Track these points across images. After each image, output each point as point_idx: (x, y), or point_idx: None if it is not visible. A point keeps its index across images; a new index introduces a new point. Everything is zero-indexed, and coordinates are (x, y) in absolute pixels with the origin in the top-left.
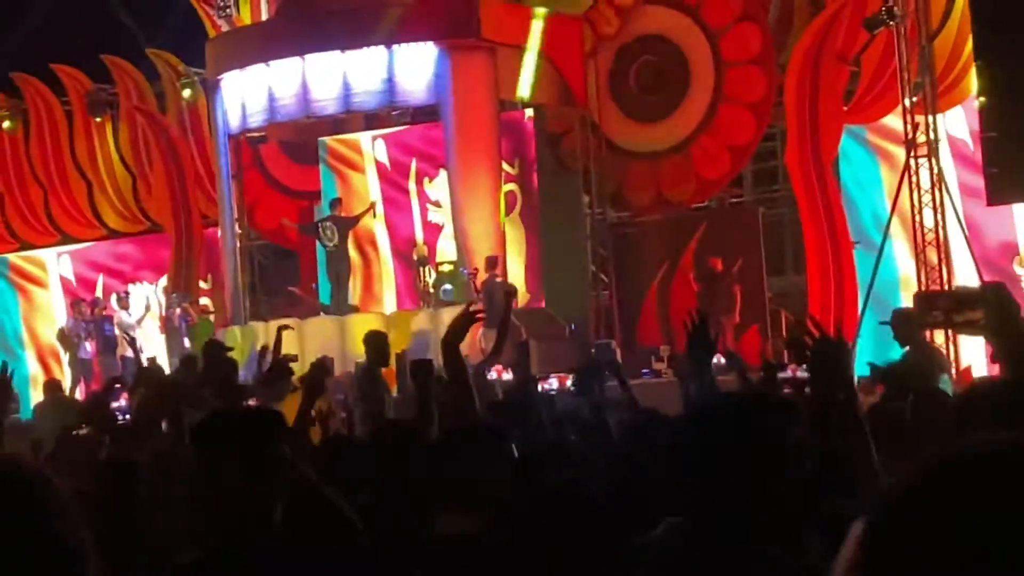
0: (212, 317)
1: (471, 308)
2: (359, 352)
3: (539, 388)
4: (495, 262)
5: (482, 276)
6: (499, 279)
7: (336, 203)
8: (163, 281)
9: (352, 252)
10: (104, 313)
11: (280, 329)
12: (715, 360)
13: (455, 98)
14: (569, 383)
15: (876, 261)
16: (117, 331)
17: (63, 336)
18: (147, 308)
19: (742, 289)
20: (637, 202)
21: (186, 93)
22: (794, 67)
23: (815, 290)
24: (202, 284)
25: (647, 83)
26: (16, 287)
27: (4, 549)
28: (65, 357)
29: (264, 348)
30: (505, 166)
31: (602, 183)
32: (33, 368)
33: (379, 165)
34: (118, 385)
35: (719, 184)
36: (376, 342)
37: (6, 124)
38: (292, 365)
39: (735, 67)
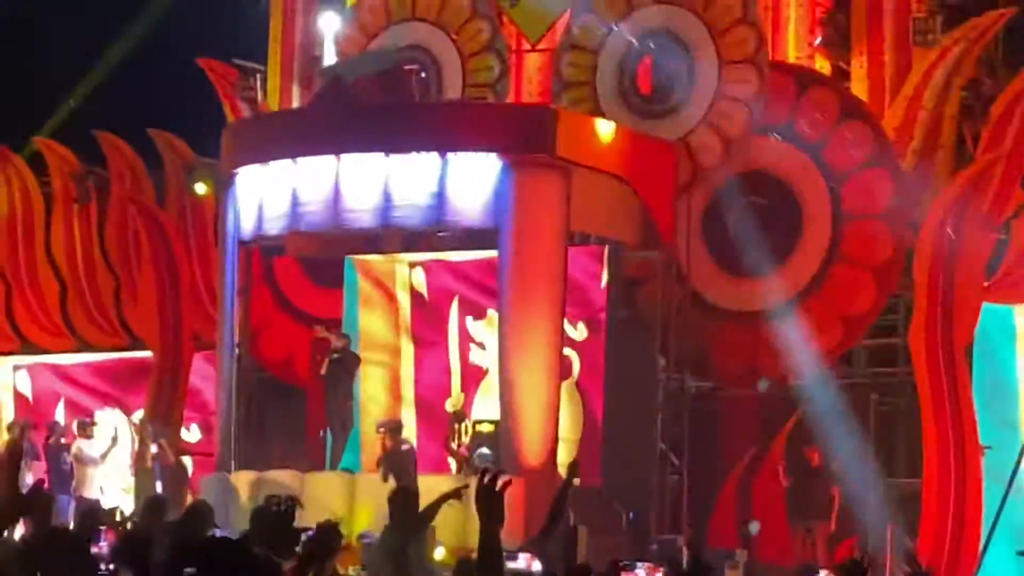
0: (190, 460)
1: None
2: (371, 517)
3: None
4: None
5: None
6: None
7: (347, 340)
8: (140, 413)
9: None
10: (62, 441)
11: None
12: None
13: (517, 223)
14: None
15: (1014, 471)
16: (73, 463)
17: None
18: (113, 441)
19: (842, 491)
20: (724, 371)
21: (200, 190)
22: (929, 228)
23: (931, 499)
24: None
25: (750, 229)
26: None
27: None
28: None
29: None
30: (566, 326)
31: (683, 343)
32: None
33: (415, 295)
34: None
35: (825, 360)
36: (404, 502)
37: None
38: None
39: (857, 221)
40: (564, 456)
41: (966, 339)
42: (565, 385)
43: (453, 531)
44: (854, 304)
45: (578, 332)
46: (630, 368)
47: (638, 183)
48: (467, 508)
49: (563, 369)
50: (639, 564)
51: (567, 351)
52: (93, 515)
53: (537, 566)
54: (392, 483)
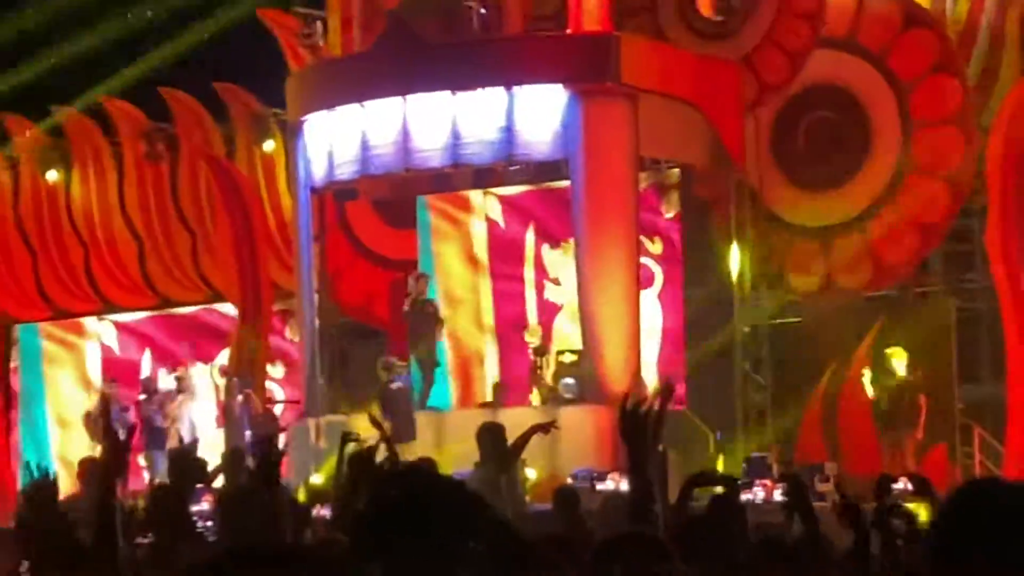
0: (280, 408)
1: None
2: (460, 453)
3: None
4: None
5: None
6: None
7: (426, 279)
8: (220, 359)
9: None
10: (153, 398)
11: (344, 439)
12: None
13: (587, 153)
14: (778, 494)
15: None
16: (165, 422)
17: (89, 421)
18: (193, 394)
19: (928, 399)
20: (802, 287)
21: (267, 146)
22: (999, 130)
23: (1017, 403)
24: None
25: (819, 144)
26: (48, 359)
27: None
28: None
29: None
30: (643, 239)
31: (760, 263)
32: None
33: (491, 224)
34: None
35: (903, 269)
36: (493, 437)
37: (51, 175)
38: None
39: (927, 128)
40: (651, 369)
41: None
42: (646, 294)
43: (540, 461)
44: (928, 212)
45: (655, 246)
46: (708, 291)
47: (705, 105)
48: (553, 439)
49: (644, 279)
50: (756, 482)
51: (646, 260)
52: (185, 467)
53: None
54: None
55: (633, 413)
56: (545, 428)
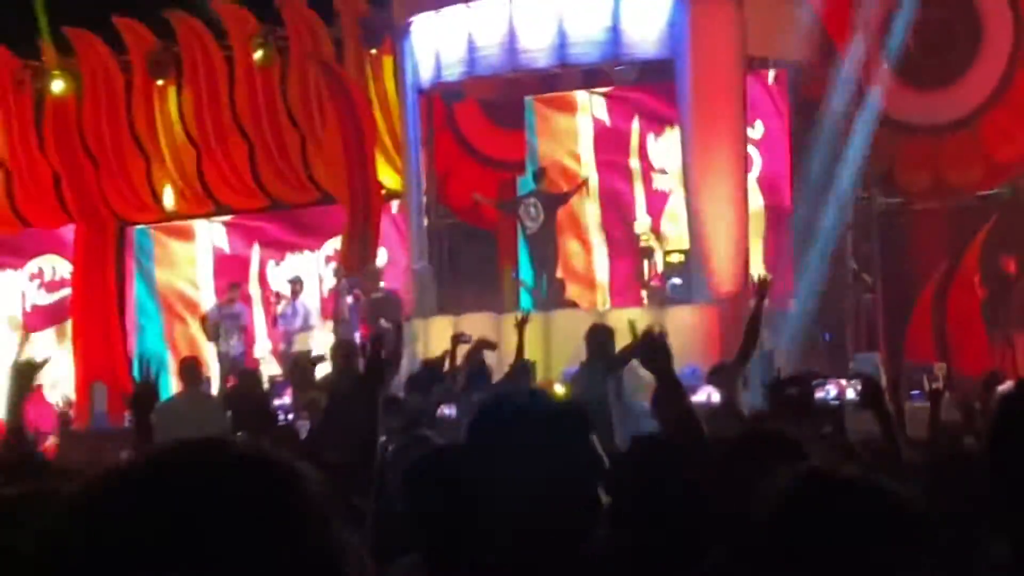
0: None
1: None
2: (568, 354)
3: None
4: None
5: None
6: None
7: (541, 175)
8: (326, 249)
9: (560, 233)
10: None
11: (456, 341)
12: None
13: (693, 53)
14: (851, 393)
15: None
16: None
17: (206, 324)
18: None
19: None
20: (911, 186)
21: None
22: None
23: None
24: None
25: (929, 41)
26: (160, 259)
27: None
28: (211, 350)
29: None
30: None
31: (870, 161)
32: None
33: (597, 124)
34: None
35: (1014, 168)
36: (600, 338)
37: (162, 78)
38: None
39: None
40: (755, 263)
41: None
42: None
43: None
44: None
45: (755, 130)
46: (816, 189)
47: (813, 1)
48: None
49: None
50: (829, 380)
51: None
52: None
53: (717, 397)
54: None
55: (653, 343)
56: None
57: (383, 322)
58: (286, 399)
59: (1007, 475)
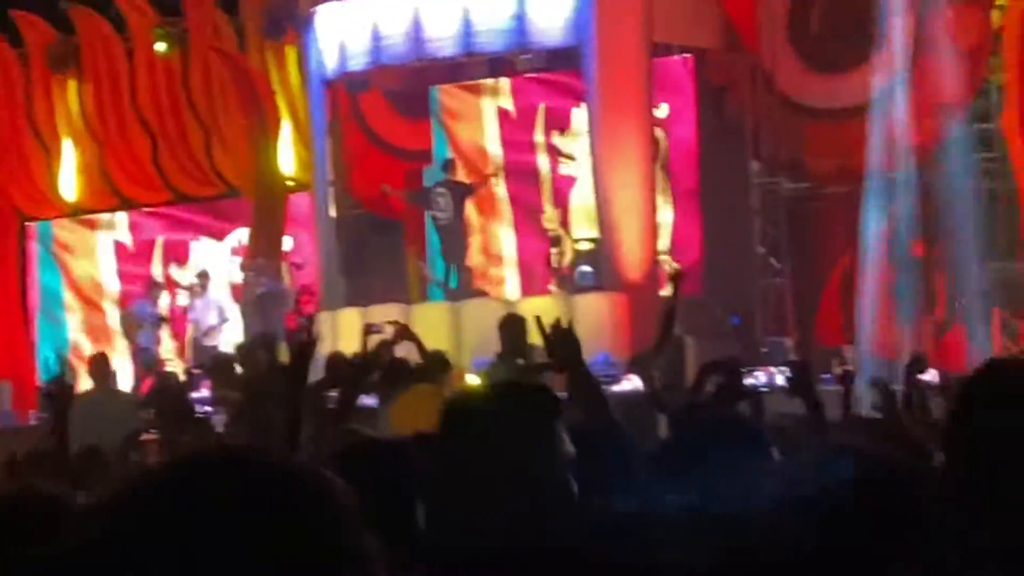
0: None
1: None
2: (478, 344)
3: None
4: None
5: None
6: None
7: (450, 165)
8: (231, 239)
9: (468, 223)
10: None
11: (367, 331)
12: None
13: (599, 40)
14: (781, 379)
15: None
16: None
17: (126, 320)
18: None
19: (945, 279)
20: (818, 170)
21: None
22: (1017, 6)
23: None
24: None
25: (834, 25)
26: (63, 255)
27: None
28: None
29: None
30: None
31: (776, 146)
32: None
33: (502, 113)
34: (197, 371)
35: (920, 150)
36: (514, 329)
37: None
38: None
39: (944, 5)
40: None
41: None
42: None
43: None
44: (945, 92)
45: (661, 111)
46: (724, 175)
47: None
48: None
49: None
50: (757, 368)
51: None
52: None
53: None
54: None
55: (561, 333)
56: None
57: (302, 317)
58: (204, 392)
59: (977, 468)
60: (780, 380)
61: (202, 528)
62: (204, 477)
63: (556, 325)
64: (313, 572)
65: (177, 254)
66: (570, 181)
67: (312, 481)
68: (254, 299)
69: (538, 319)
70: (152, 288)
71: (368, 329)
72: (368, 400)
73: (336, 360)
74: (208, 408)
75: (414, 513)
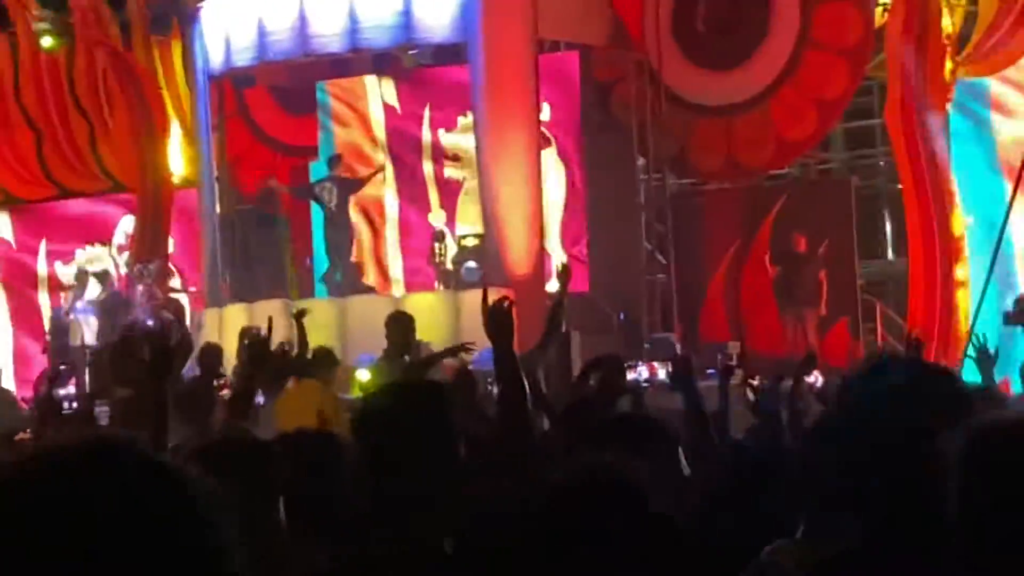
0: (184, 297)
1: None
2: (363, 340)
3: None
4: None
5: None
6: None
7: (336, 161)
8: (117, 239)
9: (354, 220)
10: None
11: (299, 316)
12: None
13: (485, 37)
14: (662, 375)
15: (997, 242)
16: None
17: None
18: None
19: (829, 275)
20: (703, 167)
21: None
22: (897, 5)
23: (917, 277)
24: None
25: (718, 22)
26: None
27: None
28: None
29: (247, 330)
30: None
31: (661, 143)
32: None
33: (388, 109)
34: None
35: (803, 147)
36: (401, 327)
37: None
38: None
39: (825, 4)
40: (554, 244)
41: (941, 113)
42: (547, 154)
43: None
44: (827, 89)
45: (544, 113)
46: (610, 171)
47: None
48: (455, 323)
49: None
50: (640, 363)
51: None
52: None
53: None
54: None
55: (495, 310)
56: (464, 349)
57: (166, 313)
58: (71, 388)
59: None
60: (662, 375)
61: (51, 521)
62: (56, 471)
63: (500, 300)
64: (167, 563)
65: (61, 254)
66: (457, 185)
67: (167, 473)
68: (97, 303)
69: (485, 291)
70: (74, 286)
71: (244, 334)
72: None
73: (209, 353)
74: (75, 404)
75: (277, 512)
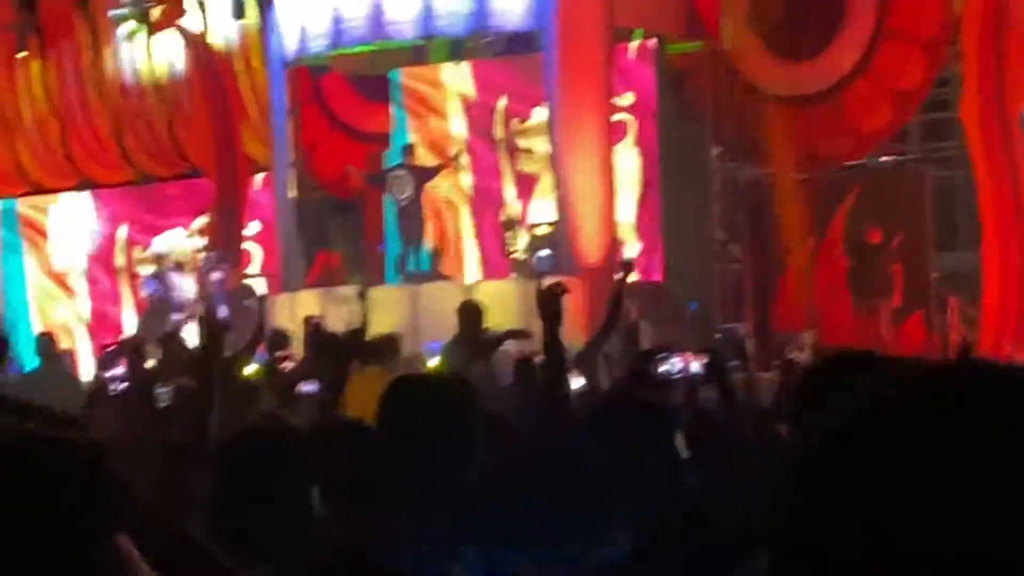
0: (259, 283)
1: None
2: (434, 327)
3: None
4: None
5: None
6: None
7: (410, 150)
8: (196, 225)
9: (427, 207)
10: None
11: (361, 295)
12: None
13: (560, 24)
14: (696, 366)
15: None
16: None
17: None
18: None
19: (903, 267)
20: (778, 157)
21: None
22: None
23: (992, 270)
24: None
25: (795, 11)
26: (25, 234)
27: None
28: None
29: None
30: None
31: (736, 133)
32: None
33: (464, 101)
34: (113, 346)
35: (878, 138)
36: (471, 315)
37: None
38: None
39: None
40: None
41: (1020, 106)
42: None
43: None
44: (904, 80)
45: (624, 99)
46: (683, 161)
47: None
48: (527, 312)
49: (616, 132)
50: (674, 352)
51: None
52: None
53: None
54: None
55: (545, 294)
56: (524, 334)
57: (246, 302)
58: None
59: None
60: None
61: None
62: None
63: (552, 285)
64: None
65: (141, 239)
66: (531, 174)
67: (59, 446)
68: (175, 290)
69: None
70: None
71: (308, 322)
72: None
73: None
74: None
75: (308, 500)
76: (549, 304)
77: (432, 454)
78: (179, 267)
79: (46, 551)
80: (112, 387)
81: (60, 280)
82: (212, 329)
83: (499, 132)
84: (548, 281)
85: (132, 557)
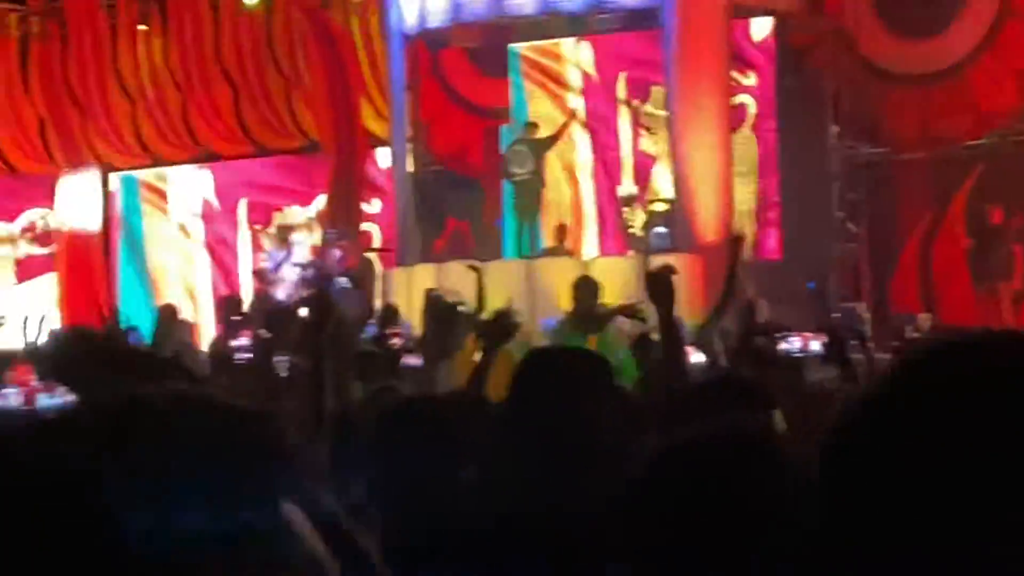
0: (376, 257)
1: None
2: (551, 303)
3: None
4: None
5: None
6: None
7: (531, 128)
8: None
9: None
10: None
11: (475, 269)
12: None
13: (679, 1)
14: (816, 346)
15: None
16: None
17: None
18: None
19: None
20: (898, 136)
21: None
22: None
23: None
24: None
25: None
26: (146, 206)
27: None
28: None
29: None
30: (736, 75)
31: (856, 111)
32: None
33: (584, 76)
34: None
35: (1002, 117)
36: (587, 291)
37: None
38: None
39: None
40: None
41: None
42: (742, 135)
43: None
44: None
45: (748, 78)
46: (802, 140)
47: None
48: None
49: (736, 117)
50: (793, 332)
51: (743, 97)
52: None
53: (699, 357)
54: None
55: (655, 277)
56: (633, 311)
57: (344, 281)
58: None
59: None
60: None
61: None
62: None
63: (662, 267)
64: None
65: (261, 216)
66: (649, 152)
67: (235, 414)
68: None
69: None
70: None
71: (429, 294)
72: (413, 359)
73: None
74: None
75: (456, 473)
76: (659, 288)
77: (574, 427)
78: (298, 242)
79: (223, 518)
80: (235, 357)
81: (180, 251)
82: (326, 305)
83: (620, 108)
84: (660, 261)
85: (301, 526)
